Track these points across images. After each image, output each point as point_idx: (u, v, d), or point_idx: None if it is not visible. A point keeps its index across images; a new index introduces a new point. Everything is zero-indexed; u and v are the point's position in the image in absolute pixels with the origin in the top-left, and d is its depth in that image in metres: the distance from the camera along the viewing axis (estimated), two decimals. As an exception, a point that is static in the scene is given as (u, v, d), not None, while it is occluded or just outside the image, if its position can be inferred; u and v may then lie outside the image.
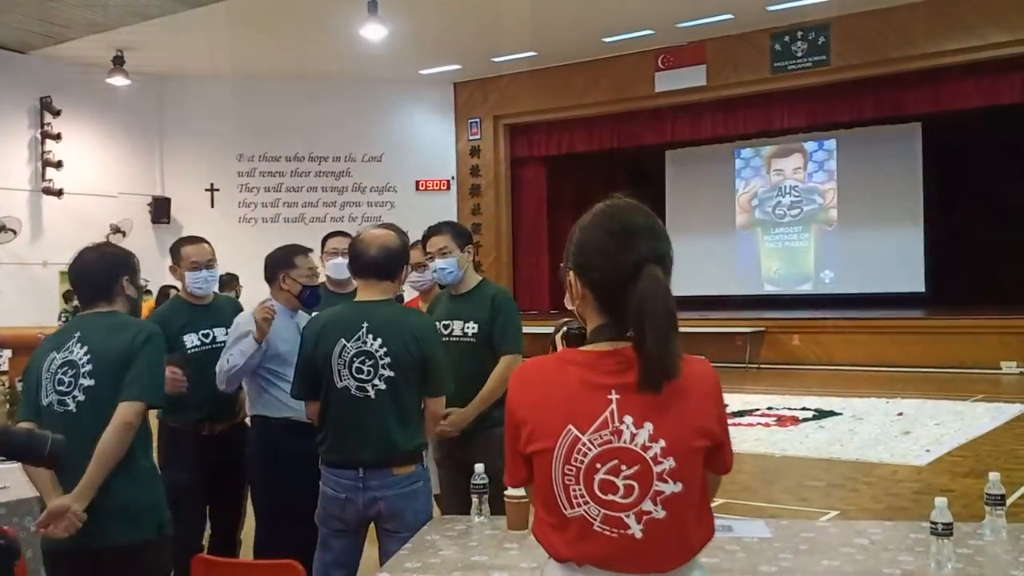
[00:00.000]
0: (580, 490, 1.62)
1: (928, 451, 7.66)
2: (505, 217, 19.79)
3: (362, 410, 3.13)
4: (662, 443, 1.61)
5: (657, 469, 1.61)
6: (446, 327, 3.87)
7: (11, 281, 16.49)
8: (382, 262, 3.22)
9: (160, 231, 18.76)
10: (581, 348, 1.70)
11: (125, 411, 2.86)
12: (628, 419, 1.62)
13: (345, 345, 3.15)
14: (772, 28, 16.25)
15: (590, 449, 1.61)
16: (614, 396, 1.62)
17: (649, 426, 1.62)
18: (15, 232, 16.44)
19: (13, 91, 16.64)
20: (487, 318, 3.80)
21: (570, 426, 1.62)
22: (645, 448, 1.61)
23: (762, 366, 14.87)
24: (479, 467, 2.95)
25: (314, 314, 4.07)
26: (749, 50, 16.63)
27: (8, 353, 9.18)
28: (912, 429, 8.72)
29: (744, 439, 8.22)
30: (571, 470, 1.62)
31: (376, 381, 3.13)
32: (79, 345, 2.92)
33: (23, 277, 16.71)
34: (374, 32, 14.25)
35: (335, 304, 4.26)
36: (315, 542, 3.80)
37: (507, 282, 18.73)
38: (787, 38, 16.30)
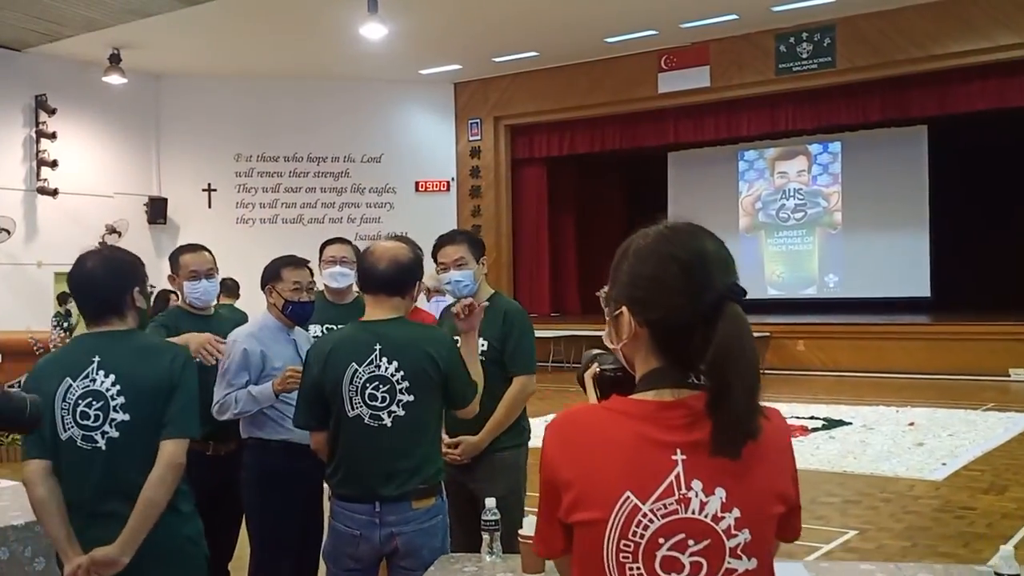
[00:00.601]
0: (638, 568, 1.36)
1: (944, 464, 7.47)
2: (505, 219, 19.58)
3: (377, 440, 2.89)
4: (736, 512, 1.36)
5: (730, 544, 1.36)
6: (456, 342, 3.61)
7: (5, 282, 16.27)
8: (393, 277, 2.98)
9: (156, 232, 18.55)
10: (635, 397, 1.42)
11: (174, 451, 2.59)
12: (697, 484, 1.36)
13: (357, 370, 2.90)
14: (777, 29, 16.07)
15: (652, 521, 1.35)
16: (680, 457, 1.36)
17: (721, 492, 1.36)
18: (9, 232, 16.22)
19: (7, 89, 16.42)
20: (498, 335, 3.55)
21: (628, 493, 1.35)
22: (716, 519, 1.36)
23: (766, 372, 14.66)
24: (490, 502, 2.70)
25: (315, 332, 3.85)
26: (753, 51, 16.44)
27: (-3, 358, 8.94)
28: (925, 440, 8.53)
29: (754, 451, 8.01)
30: (629, 545, 1.35)
31: (393, 407, 2.89)
32: (102, 372, 2.58)
33: (17, 278, 16.48)
34: (374, 31, 14.04)
35: (332, 315, 4.05)
36: (312, 570, 3.58)
37: (507, 285, 18.52)
38: (792, 39, 16.11)
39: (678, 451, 1.36)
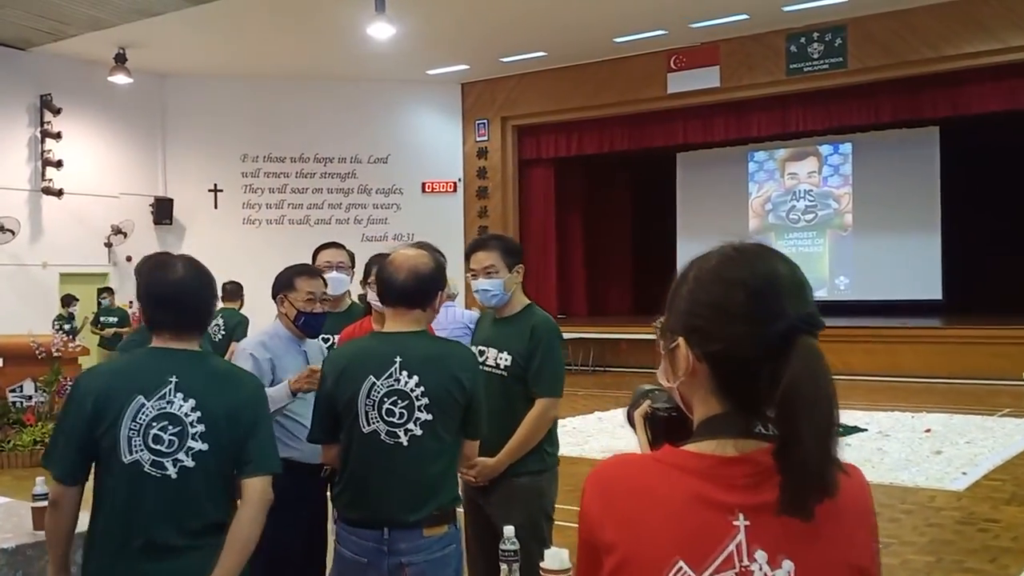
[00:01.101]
0: None
1: (964, 474, 7.32)
2: (513, 220, 19.43)
3: (392, 459, 2.71)
4: None
5: None
6: (481, 353, 3.44)
7: (9, 283, 16.17)
8: (411, 290, 2.80)
9: (162, 232, 18.44)
10: (691, 447, 1.23)
11: (264, 488, 2.41)
12: (761, 556, 1.17)
13: (375, 383, 2.72)
14: (788, 29, 15.91)
15: None
16: (742, 522, 1.17)
17: (789, 565, 1.17)
18: (14, 233, 16.11)
19: (12, 88, 16.32)
20: (524, 351, 3.34)
21: (680, 562, 1.17)
22: None
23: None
24: (508, 531, 2.51)
25: (312, 346, 3.67)
26: (764, 51, 16.29)
27: (-1, 362, 8.82)
28: (943, 448, 8.38)
29: (769, 459, 7.86)
30: None
31: (411, 425, 2.71)
32: (180, 395, 2.36)
33: (22, 279, 16.38)
34: (381, 31, 13.92)
35: (327, 323, 3.87)
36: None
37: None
38: (803, 39, 15.95)
39: (740, 515, 1.17)
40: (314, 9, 14.57)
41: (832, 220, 18.57)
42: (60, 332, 9.88)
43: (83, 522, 2.46)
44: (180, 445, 2.34)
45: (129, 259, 16.97)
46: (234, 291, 7.98)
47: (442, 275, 2.91)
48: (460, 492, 3.50)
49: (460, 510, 2.97)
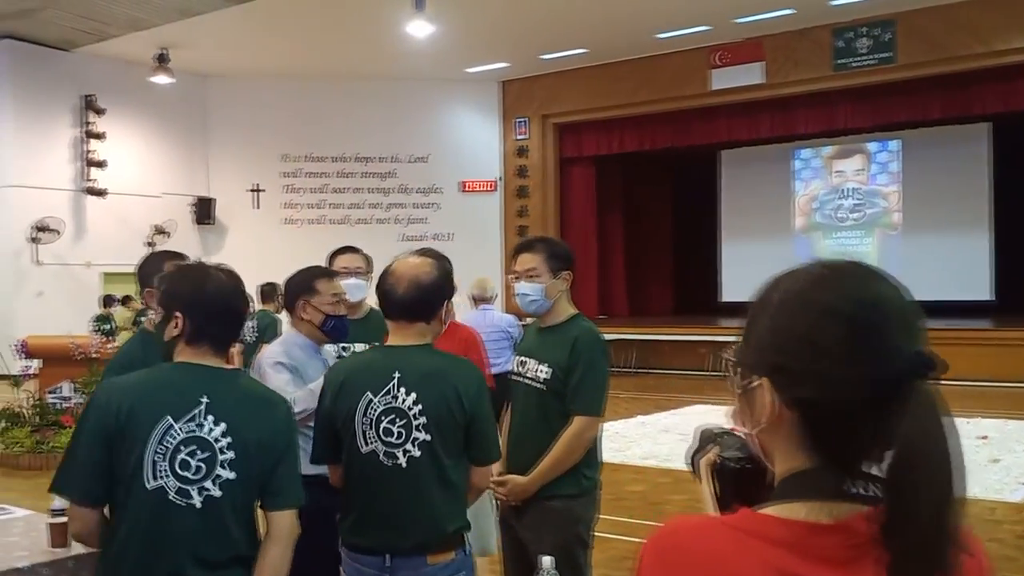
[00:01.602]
0: None
1: (1023, 484, 7.01)
2: (553, 219, 19.25)
3: (392, 481, 2.54)
4: None
5: None
6: (521, 364, 3.23)
7: (53, 282, 16.32)
8: (412, 302, 2.62)
9: (204, 232, 18.53)
10: (773, 511, 1.01)
11: (292, 522, 2.26)
12: None
13: (372, 400, 2.55)
14: (834, 24, 15.57)
15: None
16: None
17: None
18: (58, 232, 16.27)
19: (56, 89, 16.47)
20: (564, 364, 3.09)
21: None
22: None
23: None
24: (547, 562, 2.31)
25: (330, 353, 3.47)
26: (810, 47, 15.95)
27: (38, 363, 8.82)
28: (1001, 456, 8.06)
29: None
30: None
31: (409, 446, 2.53)
32: (211, 418, 2.18)
33: (65, 278, 16.53)
34: (420, 29, 13.83)
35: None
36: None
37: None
38: (850, 34, 15.60)
39: None
40: (354, 8, 14.51)
41: (880, 219, 18.15)
42: (98, 333, 9.87)
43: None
44: (208, 472, 2.17)
45: (170, 259, 17.02)
46: (270, 292, 7.88)
47: (446, 284, 2.73)
48: (497, 512, 3.33)
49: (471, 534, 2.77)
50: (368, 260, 4.14)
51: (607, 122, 18.56)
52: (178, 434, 2.15)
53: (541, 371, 3.12)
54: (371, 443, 2.56)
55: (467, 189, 19.41)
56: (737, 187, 19.60)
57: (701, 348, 15.56)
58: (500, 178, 19.46)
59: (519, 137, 19.29)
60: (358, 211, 19.22)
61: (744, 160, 19.39)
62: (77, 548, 2.90)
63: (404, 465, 2.53)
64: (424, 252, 2.86)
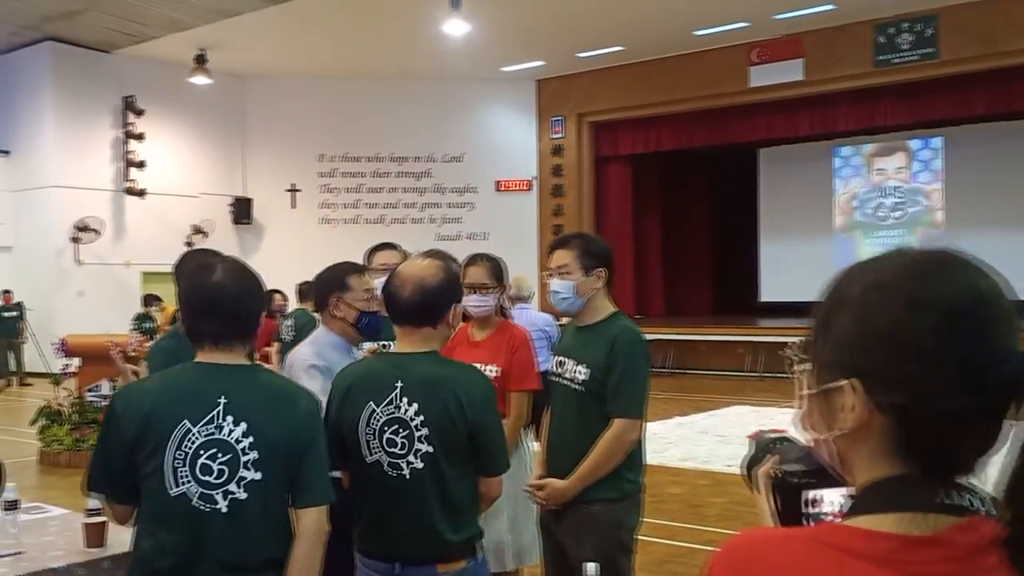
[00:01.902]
0: None
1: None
2: (588, 218, 19.13)
3: (396, 492, 2.47)
4: None
5: None
6: (560, 364, 3.13)
7: (93, 281, 16.51)
8: (417, 306, 2.52)
9: (241, 232, 18.65)
10: (861, 523, 0.90)
11: (320, 519, 2.18)
12: None
13: (375, 410, 2.48)
14: (876, 19, 15.32)
15: None
16: None
17: None
18: (98, 232, 16.45)
19: (97, 90, 16.66)
20: (602, 364, 2.98)
21: None
22: None
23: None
24: (591, 568, 2.22)
25: (366, 349, 3.40)
26: (851, 43, 15.71)
27: (77, 361, 8.87)
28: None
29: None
30: None
31: (411, 457, 2.45)
32: (230, 418, 2.11)
33: (105, 277, 16.71)
34: (457, 28, 13.80)
35: (387, 330, 3.58)
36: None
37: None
38: (892, 30, 15.34)
39: None
40: (390, 8, 14.52)
41: (922, 218, 17.84)
42: (137, 331, 9.92)
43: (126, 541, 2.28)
44: (231, 475, 2.09)
45: (208, 258, 17.16)
46: (308, 291, 7.81)
47: (454, 287, 2.61)
48: (535, 518, 3.24)
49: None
50: (406, 257, 4.06)
51: (644, 120, 18.42)
52: (197, 438, 2.08)
53: (579, 372, 3.03)
54: (375, 453, 2.49)
55: (502, 188, 19.36)
56: (776, 186, 19.37)
57: (740, 348, 15.39)
58: (535, 177, 19.39)
59: (554, 136, 19.21)
60: (393, 211, 19.25)
61: (783, 158, 19.16)
62: (113, 548, 2.87)
63: (407, 476, 2.46)
64: (432, 254, 2.74)
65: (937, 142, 17.70)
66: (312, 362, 3.13)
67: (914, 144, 17.96)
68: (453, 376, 2.53)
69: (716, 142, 18.01)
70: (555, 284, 3.09)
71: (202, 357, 2.21)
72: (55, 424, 8.43)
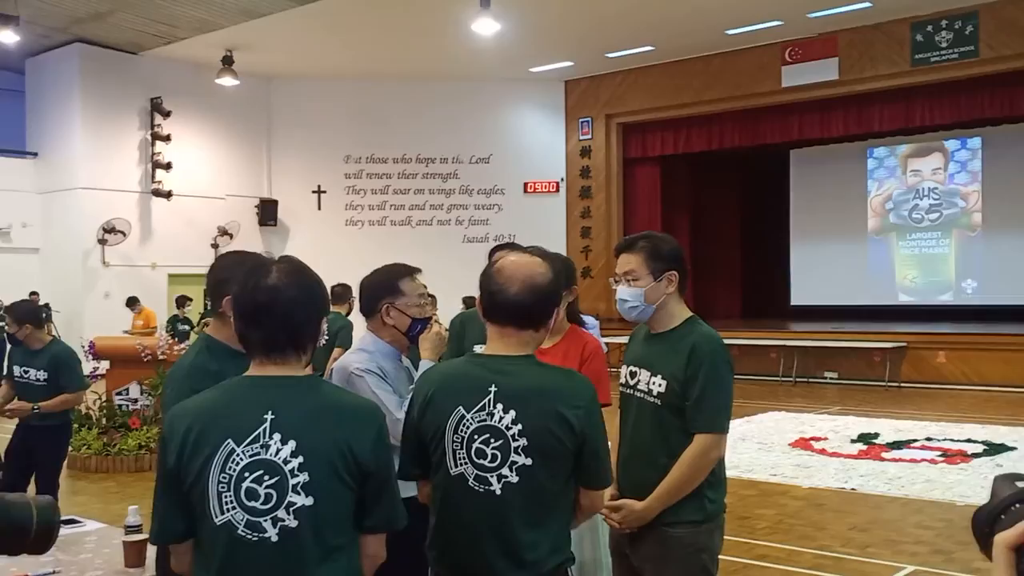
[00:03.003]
0: None
1: None
2: (617, 221, 18.91)
3: (484, 509, 2.22)
4: None
5: None
6: (632, 375, 2.89)
7: (120, 282, 16.44)
8: (526, 306, 2.27)
9: (267, 234, 18.55)
10: None
11: (375, 549, 2.01)
12: None
13: (464, 416, 2.23)
14: (913, 17, 15.00)
15: None
16: None
17: None
18: (124, 234, 16.39)
19: (125, 92, 16.61)
20: (680, 376, 2.74)
21: None
22: None
23: (903, 385, 13.64)
24: None
25: (425, 365, 3.09)
26: (887, 41, 15.40)
27: (106, 364, 8.75)
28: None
29: (914, 480, 7.19)
30: None
31: (505, 471, 2.20)
32: (277, 437, 1.88)
33: (132, 279, 16.64)
34: (486, 27, 13.60)
35: None
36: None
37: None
38: (930, 27, 15.01)
39: None
40: (417, 9, 14.37)
41: (959, 219, 17.47)
42: (170, 333, 9.80)
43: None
44: (279, 500, 1.86)
45: (235, 260, 17.09)
46: (342, 294, 7.64)
47: (560, 288, 2.39)
48: (608, 541, 3.02)
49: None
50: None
51: (673, 121, 18.17)
52: (241, 458, 1.87)
53: (655, 384, 2.78)
54: (461, 464, 2.25)
55: (530, 190, 19.17)
56: (808, 187, 19.05)
57: (772, 353, 15.10)
58: (563, 179, 19.19)
59: (583, 137, 19.00)
60: (420, 212, 19.10)
61: (816, 159, 18.84)
62: (152, 569, 2.69)
63: (498, 492, 2.21)
64: (532, 251, 2.48)
65: (975, 143, 17.33)
66: (367, 368, 2.91)
67: (951, 144, 17.60)
68: (556, 382, 2.29)
69: (747, 143, 17.72)
70: (622, 291, 2.85)
71: (253, 370, 2.00)
72: (84, 428, 8.29)
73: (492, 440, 2.20)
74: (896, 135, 17.44)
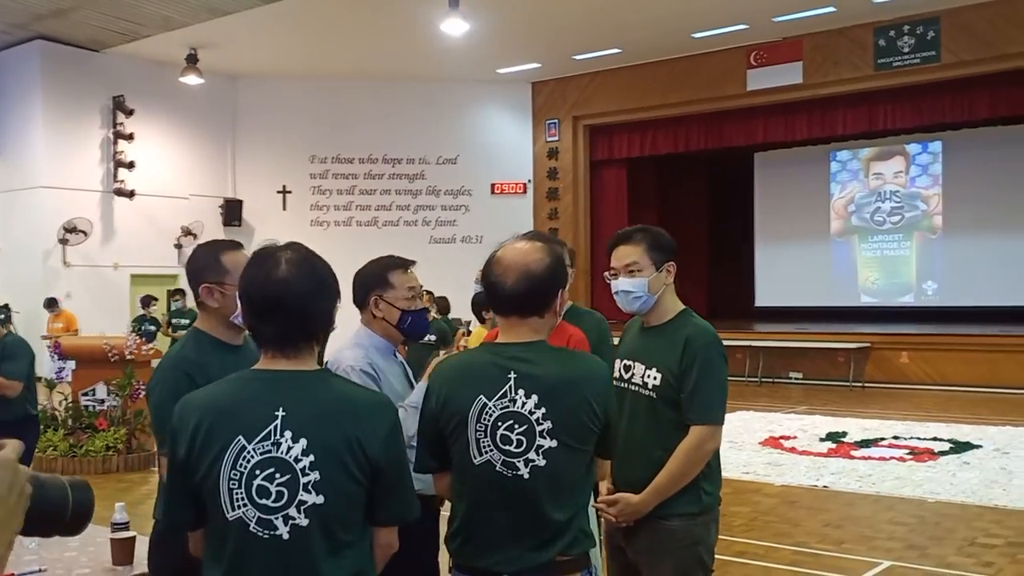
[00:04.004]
0: None
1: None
2: (584, 222, 18.99)
3: (512, 494, 2.23)
4: None
5: None
6: (626, 368, 2.90)
7: (82, 283, 16.18)
8: (523, 295, 2.29)
9: (231, 234, 18.31)
10: None
11: (387, 540, 2.00)
12: None
13: (486, 404, 2.24)
14: (876, 22, 15.21)
15: None
16: None
17: None
18: (86, 234, 16.12)
19: (86, 90, 16.34)
20: (675, 368, 2.77)
21: None
22: None
23: (867, 385, 13.81)
24: None
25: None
26: (850, 46, 15.61)
27: (72, 364, 8.59)
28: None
29: (884, 478, 7.28)
30: None
31: (532, 455, 2.21)
32: (289, 434, 1.85)
33: (94, 279, 16.38)
34: (455, 27, 13.58)
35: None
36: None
37: (585, 291, 17.85)
38: (892, 32, 15.24)
39: None
40: (384, 8, 14.30)
41: (920, 222, 17.74)
42: (137, 333, 9.64)
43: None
44: (291, 498, 1.84)
45: (199, 260, 16.88)
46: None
47: (561, 272, 2.37)
48: (602, 532, 3.03)
49: (595, 552, 2.47)
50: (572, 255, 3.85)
51: (640, 123, 18.27)
52: (252, 456, 1.84)
53: (650, 377, 2.79)
54: (486, 452, 2.24)
55: (497, 191, 19.16)
56: (772, 189, 19.24)
57: (737, 353, 15.21)
58: (530, 180, 19.21)
59: (550, 139, 19.05)
60: (386, 213, 19.01)
61: (780, 162, 19.04)
62: (142, 565, 2.65)
63: (526, 476, 2.21)
64: (532, 236, 2.49)
65: (936, 146, 17.61)
66: (360, 367, 2.87)
67: (912, 148, 17.87)
68: (574, 365, 2.33)
69: (713, 146, 17.85)
70: (625, 283, 2.86)
71: (263, 363, 1.96)
72: (50, 429, 8.14)
73: (516, 426, 2.23)
74: (859, 138, 17.69)
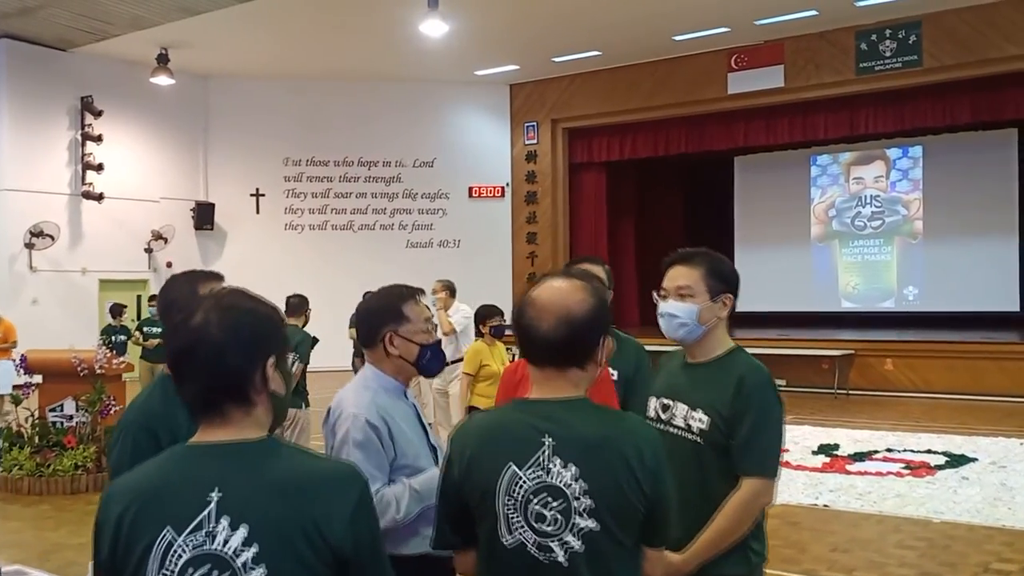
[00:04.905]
0: None
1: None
2: (562, 226, 18.79)
3: None
4: None
5: None
6: (664, 408, 2.62)
7: (49, 288, 15.73)
8: (562, 342, 1.95)
9: (203, 238, 17.96)
10: None
11: None
12: None
13: (518, 475, 1.90)
14: (858, 26, 15.13)
15: None
16: None
17: None
18: (53, 238, 15.67)
19: (53, 90, 15.89)
20: (726, 411, 2.47)
21: None
22: None
23: (851, 392, 13.68)
24: None
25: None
26: (831, 50, 15.52)
27: (38, 379, 8.21)
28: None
29: (884, 496, 7.08)
30: None
31: (568, 536, 1.87)
32: (225, 522, 1.51)
33: (61, 284, 15.94)
34: (434, 28, 13.31)
35: None
36: None
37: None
38: (874, 36, 15.16)
39: None
40: (360, 8, 14.01)
41: (900, 227, 17.68)
42: (106, 346, 9.26)
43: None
44: None
45: (169, 265, 16.50)
46: (298, 305, 7.24)
47: (605, 316, 2.01)
48: None
49: None
50: (608, 273, 3.52)
51: (620, 126, 18.09)
52: (183, 551, 1.50)
53: (695, 420, 2.51)
54: (517, 531, 1.91)
55: (475, 195, 18.91)
56: (752, 194, 19.12)
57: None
58: (508, 184, 18.97)
59: (528, 142, 18.82)
60: (362, 216, 18.70)
61: (760, 166, 18.92)
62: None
63: (564, 563, 1.88)
64: (574, 275, 2.08)
65: (916, 151, 17.56)
66: (368, 417, 2.54)
67: (893, 153, 17.81)
68: (619, 430, 1.96)
69: (693, 149, 17.72)
70: (673, 306, 2.58)
71: (198, 435, 1.63)
72: (15, 447, 7.77)
73: (551, 501, 1.89)
74: (840, 143, 17.62)
